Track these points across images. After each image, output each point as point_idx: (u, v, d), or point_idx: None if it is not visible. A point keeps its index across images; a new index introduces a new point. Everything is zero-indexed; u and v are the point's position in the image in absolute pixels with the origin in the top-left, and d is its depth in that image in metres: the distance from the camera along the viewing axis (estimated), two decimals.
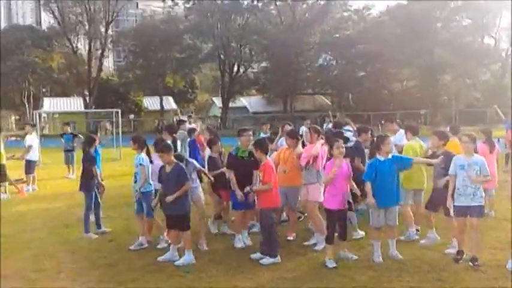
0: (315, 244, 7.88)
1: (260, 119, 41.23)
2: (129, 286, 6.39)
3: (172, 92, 61.08)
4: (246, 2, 52.90)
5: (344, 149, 7.09)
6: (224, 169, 8.34)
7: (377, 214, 7.04)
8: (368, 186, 6.98)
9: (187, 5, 54.49)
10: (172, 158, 7.31)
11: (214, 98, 65.40)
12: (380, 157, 7.06)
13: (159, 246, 7.94)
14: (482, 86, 47.06)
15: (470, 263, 6.67)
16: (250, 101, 60.92)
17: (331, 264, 6.87)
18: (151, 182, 7.98)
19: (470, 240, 6.85)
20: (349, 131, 10.93)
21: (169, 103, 60.67)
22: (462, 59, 41.81)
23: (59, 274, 6.84)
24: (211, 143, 9.09)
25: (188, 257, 7.18)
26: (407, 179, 7.98)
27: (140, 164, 7.86)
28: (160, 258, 7.29)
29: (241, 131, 8.16)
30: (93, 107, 50.85)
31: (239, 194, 7.65)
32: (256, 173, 7.64)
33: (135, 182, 7.99)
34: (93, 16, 52.54)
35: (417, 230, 8.32)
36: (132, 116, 54.46)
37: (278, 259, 7.11)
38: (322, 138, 8.24)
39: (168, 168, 7.25)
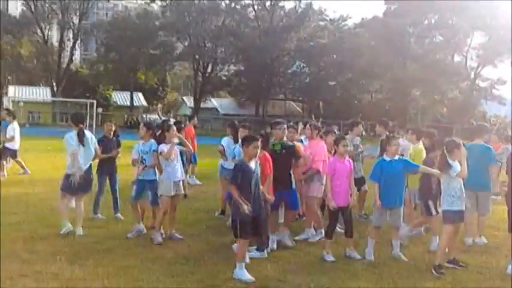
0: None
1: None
2: (130, 272, 6.24)
3: (143, 88, 60.32)
4: (223, 4, 52.80)
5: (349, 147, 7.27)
6: None
7: (379, 213, 7.09)
8: (375, 186, 7.03)
9: (164, 3, 54.02)
10: None
11: (184, 97, 64.98)
12: (386, 157, 7.11)
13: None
14: (449, 102, 48.37)
15: None
16: (221, 103, 60.83)
17: (329, 258, 6.92)
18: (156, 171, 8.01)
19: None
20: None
21: (139, 99, 59.95)
22: (432, 75, 42.83)
23: (54, 256, 6.61)
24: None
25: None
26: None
27: (154, 151, 7.83)
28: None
29: (275, 123, 7.90)
30: (61, 98, 49.78)
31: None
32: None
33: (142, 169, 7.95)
34: (67, 5, 51.40)
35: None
36: (100, 110, 53.44)
37: (265, 254, 6.99)
38: (321, 136, 8.40)
39: None
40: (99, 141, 8.70)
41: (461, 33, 46.01)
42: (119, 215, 9.11)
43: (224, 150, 9.31)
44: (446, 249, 6.76)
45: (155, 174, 7.99)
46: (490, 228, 8.82)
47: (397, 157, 7.10)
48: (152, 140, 8.02)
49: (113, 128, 9.41)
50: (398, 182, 7.03)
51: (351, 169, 7.21)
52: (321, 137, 8.45)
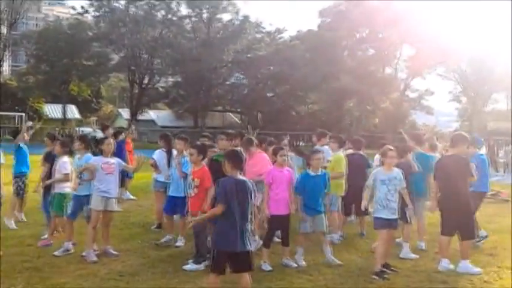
0: None
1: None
2: None
3: (76, 101, 58.52)
4: (159, 15, 52.25)
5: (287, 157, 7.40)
6: None
7: (304, 221, 7.30)
8: (298, 198, 7.26)
9: (97, 13, 52.76)
10: None
11: (120, 110, 63.62)
12: (311, 172, 7.36)
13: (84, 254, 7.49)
14: (381, 112, 50.21)
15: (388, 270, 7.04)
16: (158, 115, 60.05)
17: (266, 267, 6.98)
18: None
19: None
20: None
21: (72, 112, 58.12)
22: (365, 86, 44.36)
23: None
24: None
25: None
26: (338, 186, 8.44)
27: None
28: None
29: (221, 134, 7.99)
30: None
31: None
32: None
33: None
34: None
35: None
36: (30, 123, 51.16)
37: (201, 266, 6.95)
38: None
39: None
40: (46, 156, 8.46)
41: (391, 46, 48.11)
42: None
43: (156, 163, 9.20)
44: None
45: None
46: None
47: (320, 171, 7.39)
48: (88, 154, 7.83)
49: (51, 141, 9.04)
50: (319, 193, 7.37)
51: (290, 178, 7.33)
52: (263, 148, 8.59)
